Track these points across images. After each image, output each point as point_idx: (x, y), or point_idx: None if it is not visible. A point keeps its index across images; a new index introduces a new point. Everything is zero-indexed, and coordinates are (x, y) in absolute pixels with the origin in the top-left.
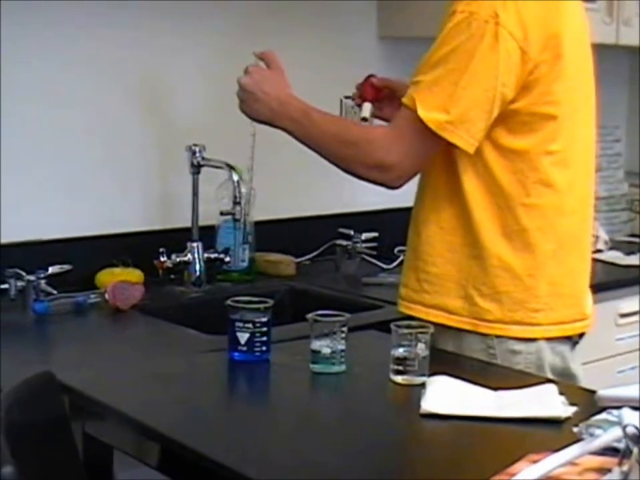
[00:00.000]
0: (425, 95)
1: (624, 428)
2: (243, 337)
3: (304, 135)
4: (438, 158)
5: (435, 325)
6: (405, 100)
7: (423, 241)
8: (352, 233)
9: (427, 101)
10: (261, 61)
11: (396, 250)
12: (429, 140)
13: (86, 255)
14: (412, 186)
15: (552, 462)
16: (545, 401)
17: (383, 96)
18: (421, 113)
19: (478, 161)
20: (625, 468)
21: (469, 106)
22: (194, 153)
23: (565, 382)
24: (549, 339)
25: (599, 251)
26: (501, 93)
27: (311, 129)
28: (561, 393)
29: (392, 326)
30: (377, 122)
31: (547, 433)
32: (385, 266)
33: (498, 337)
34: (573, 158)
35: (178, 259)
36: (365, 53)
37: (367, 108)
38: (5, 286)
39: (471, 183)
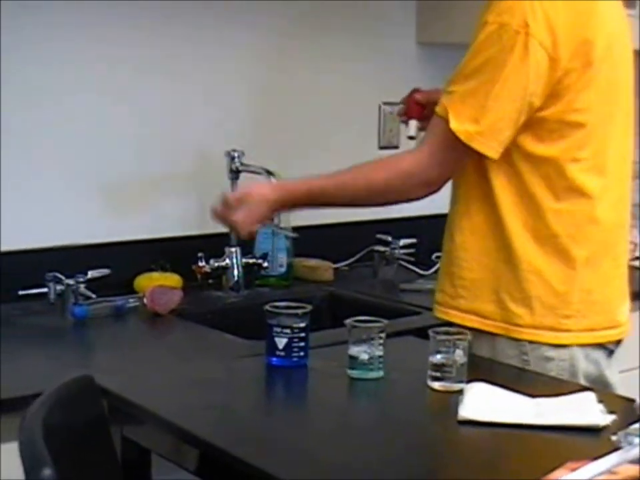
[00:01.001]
0: (457, 107)
1: None
2: (281, 342)
3: (329, 204)
4: (469, 164)
5: (470, 329)
6: (438, 110)
7: (458, 247)
8: (390, 238)
9: (459, 112)
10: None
11: (433, 256)
12: (460, 148)
13: (125, 260)
14: (450, 192)
15: (591, 470)
16: (583, 409)
17: (429, 112)
18: (453, 124)
19: (508, 167)
20: None
21: (499, 117)
22: (233, 158)
23: (602, 390)
24: (582, 346)
25: (638, 258)
26: (529, 102)
27: (332, 200)
28: (600, 401)
29: (430, 332)
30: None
31: (585, 441)
32: (422, 272)
33: (531, 342)
34: (605, 165)
35: (216, 264)
36: (404, 58)
37: (412, 126)
38: (45, 290)
39: (502, 189)
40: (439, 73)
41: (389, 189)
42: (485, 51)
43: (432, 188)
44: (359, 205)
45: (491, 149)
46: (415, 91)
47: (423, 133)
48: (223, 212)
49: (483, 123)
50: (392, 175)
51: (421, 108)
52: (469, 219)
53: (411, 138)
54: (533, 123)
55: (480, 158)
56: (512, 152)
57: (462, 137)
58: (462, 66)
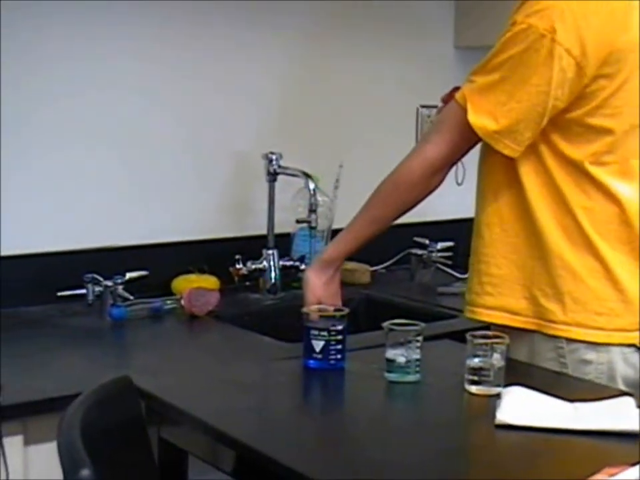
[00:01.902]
0: (476, 98)
1: None
2: (318, 345)
3: (384, 228)
4: (498, 160)
5: (499, 326)
6: (457, 96)
7: (486, 243)
8: (427, 242)
9: (478, 104)
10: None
11: None
12: (475, 139)
13: (163, 261)
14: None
15: (629, 476)
16: (622, 414)
17: None
18: (471, 117)
19: (537, 162)
20: None
21: (519, 119)
22: (270, 160)
23: None
24: (620, 349)
25: None
26: (552, 106)
27: (382, 224)
28: (639, 406)
29: (467, 336)
30: None
31: (623, 447)
32: (459, 275)
33: (567, 340)
34: (634, 171)
35: (253, 266)
36: (441, 61)
37: None
38: (83, 291)
39: (532, 185)
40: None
41: (416, 193)
42: (510, 49)
43: (445, 171)
44: (407, 208)
45: (508, 148)
46: (456, 89)
47: None
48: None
49: (501, 122)
50: (416, 182)
51: None
52: (499, 216)
53: None
54: (560, 123)
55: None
56: (541, 147)
57: (479, 132)
58: (487, 59)
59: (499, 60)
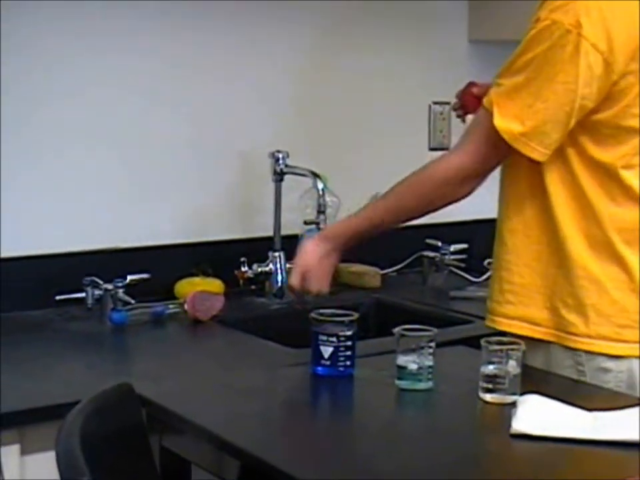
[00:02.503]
0: (503, 102)
1: None
2: (327, 351)
3: (390, 227)
4: (523, 164)
5: (519, 337)
6: (485, 101)
7: (509, 250)
8: (440, 244)
9: (504, 108)
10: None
11: (486, 262)
12: (504, 145)
13: (165, 264)
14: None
15: None
16: None
17: None
18: (497, 121)
19: (563, 169)
20: None
21: (545, 120)
22: (277, 159)
23: None
24: None
25: None
26: (580, 105)
27: (391, 223)
28: None
29: (482, 342)
30: None
31: None
32: (474, 279)
33: (587, 352)
34: None
35: (259, 269)
36: (455, 56)
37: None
38: (82, 294)
39: (556, 191)
40: (491, 71)
41: (440, 197)
42: (534, 47)
43: (477, 181)
44: (420, 215)
45: (536, 151)
46: (471, 84)
47: None
48: (299, 293)
49: (527, 124)
50: (440, 181)
51: (477, 102)
52: (523, 222)
53: None
54: (590, 127)
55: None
56: (568, 151)
57: (505, 137)
58: (512, 59)
59: (523, 60)
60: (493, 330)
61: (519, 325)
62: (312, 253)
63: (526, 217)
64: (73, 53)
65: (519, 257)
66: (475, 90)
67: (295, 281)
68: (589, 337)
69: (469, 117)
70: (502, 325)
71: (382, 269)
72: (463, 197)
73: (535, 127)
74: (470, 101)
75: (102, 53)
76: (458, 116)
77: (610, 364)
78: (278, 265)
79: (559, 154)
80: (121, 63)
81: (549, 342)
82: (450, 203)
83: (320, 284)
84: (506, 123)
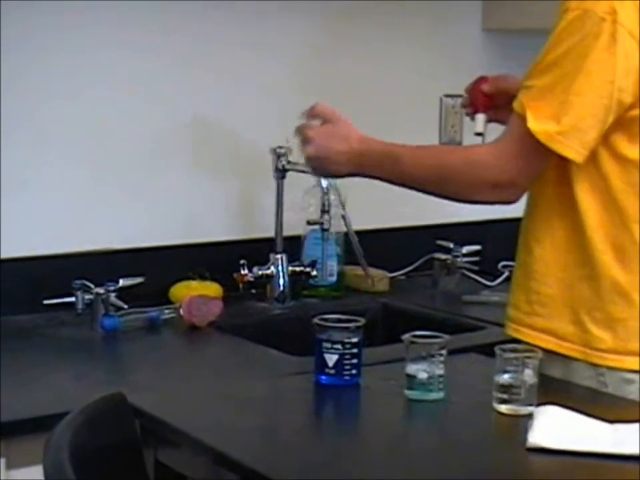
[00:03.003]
0: (536, 103)
1: None
2: (331, 359)
3: (399, 178)
4: (551, 168)
5: (544, 350)
6: (515, 106)
7: (536, 259)
8: (452, 245)
9: (538, 110)
10: (314, 120)
11: (500, 265)
12: (539, 152)
13: (160, 267)
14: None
15: None
16: None
17: (498, 103)
18: (531, 124)
19: (594, 171)
20: None
21: (582, 114)
22: (279, 156)
23: None
24: None
25: None
26: (617, 99)
27: (404, 171)
28: None
29: (496, 349)
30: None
31: None
32: (488, 283)
33: (610, 367)
34: None
35: (260, 272)
36: (468, 46)
37: (480, 121)
38: (72, 299)
39: (585, 196)
40: (506, 61)
41: (454, 175)
42: (565, 40)
43: (499, 192)
44: (426, 187)
45: (573, 150)
46: (481, 79)
47: (491, 126)
48: (303, 124)
49: (564, 121)
50: (466, 161)
51: (488, 99)
52: (551, 230)
53: (479, 134)
54: (625, 122)
55: (562, 161)
56: (600, 152)
57: (541, 138)
58: (541, 57)
59: (554, 55)
60: (510, 337)
61: (545, 338)
62: (350, 127)
63: (553, 223)
64: (68, 48)
65: (547, 266)
66: (485, 87)
67: (317, 106)
68: (617, 352)
69: (479, 117)
70: (528, 337)
71: (390, 272)
72: (479, 200)
73: (573, 124)
74: (479, 99)
75: (92, 47)
76: (467, 114)
77: (634, 375)
78: (279, 268)
79: (591, 157)
80: (113, 57)
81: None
82: (464, 198)
83: (324, 143)
84: (541, 124)
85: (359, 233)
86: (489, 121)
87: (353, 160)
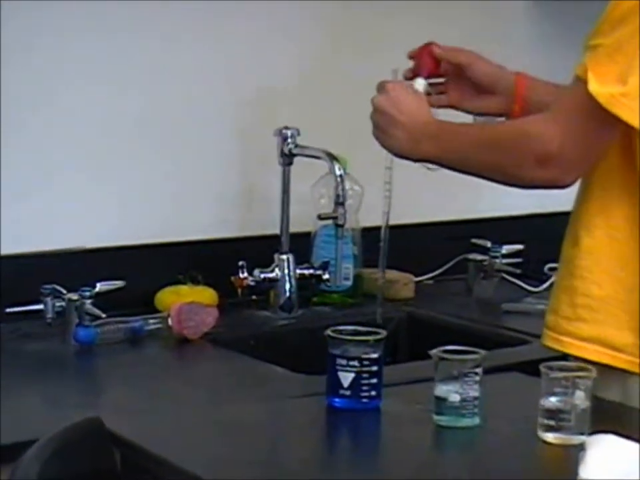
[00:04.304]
0: (602, 65)
1: None
2: (347, 378)
3: (447, 149)
4: (613, 147)
5: (594, 364)
6: (577, 70)
7: (583, 252)
8: (489, 244)
9: (604, 71)
10: (400, 77)
11: (546, 268)
12: (600, 120)
13: (143, 269)
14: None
15: None
16: None
17: (447, 73)
18: (593, 87)
19: None
20: None
21: None
22: (285, 138)
23: None
24: None
25: None
26: None
27: (453, 142)
28: None
29: (541, 368)
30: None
31: None
32: (531, 288)
33: None
34: None
35: (262, 276)
36: (512, 17)
37: (420, 86)
38: (40, 306)
39: None
40: (552, 30)
41: (504, 146)
42: None
43: (547, 168)
44: (472, 160)
45: (636, 114)
46: (431, 43)
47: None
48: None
49: (631, 81)
50: (511, 128)
51: (435, 63)
52: (606, 218)
53: None
54: None
55: (626, 137)
56: None
57: (602, 101)
58: (608, 11)
59: (620, 10)
60: (554, 351)
61: (593, 349)
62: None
63: (610, 209)
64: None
65: (598, 261)
66: (436, 50)
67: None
68: None
69: (418, 82)
70: (570, 348)
71: (416, 275)
72: (525, 181)
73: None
74: (425, 61)
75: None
76: (407, 78)
77: None
78: (285, 271)
79: None
80: (96, 35)
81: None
82: (509, 177)
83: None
84: (603, 87)
85: (380, 230)
86: (429, 93)
87: (411, 126)
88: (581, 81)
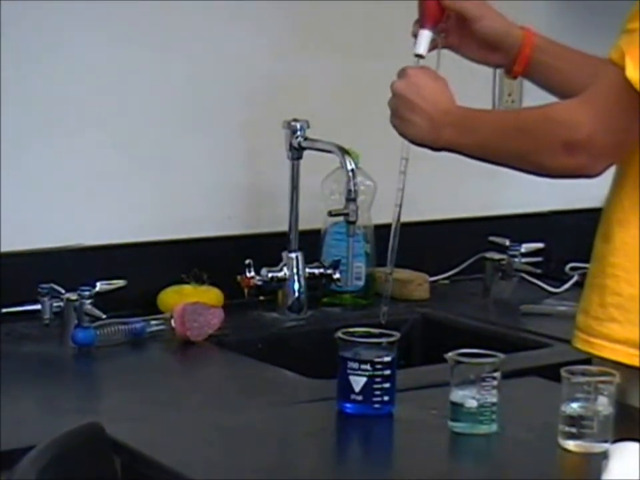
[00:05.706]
0: (637, 49)
1: None
2: (358, 383)
3: (469, 137)
4: None
5: (626, 367)
6: (612, 54)
7: (616, 250)
8: (507, 242)
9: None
10: (421, 63)
11: (568, 267)
12: (635, 107)
13: (145, 267)
14: (598, 178)
15: None
16: None
17: (451, 24)
18: (630, 72)
19: None
20: None
21: None
22: (294, 131)
23: None
24: None
25: None
26: None
27: (476, 129)
28: None
29: (562, 372)
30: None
31: None
32: (552, 289)
33: None
34: None
35: (270, 275)
36: (527, 13)
37: (424, 39)
38: (37, 307)
39: None
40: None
41: (530, 132)
42: None
43: (574, 156)
44: (494, 148)
45: None
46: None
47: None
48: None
49: None
50: (537, 113)
51: (440, 12)
52: (639, 210)
53: (418, 56)
54: None
55: None
56: None
57: (637, 86)
58: None
59: None
60: (582, 355)
61: (627, 352)
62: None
63: None
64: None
65: (632, 259)
66: None
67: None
68: None
69: (423, 34)
70: (603, 351)
71: (431, 275)
72: (552, 169)
73: None
74: (430, 10)
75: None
76: (414, 35)
77: None
78: (294, 270)
79: None
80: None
81: None
82: (533, 165)
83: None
84: None
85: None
86: (434, 47)
87: (432, 113)
88: (616, 66)
